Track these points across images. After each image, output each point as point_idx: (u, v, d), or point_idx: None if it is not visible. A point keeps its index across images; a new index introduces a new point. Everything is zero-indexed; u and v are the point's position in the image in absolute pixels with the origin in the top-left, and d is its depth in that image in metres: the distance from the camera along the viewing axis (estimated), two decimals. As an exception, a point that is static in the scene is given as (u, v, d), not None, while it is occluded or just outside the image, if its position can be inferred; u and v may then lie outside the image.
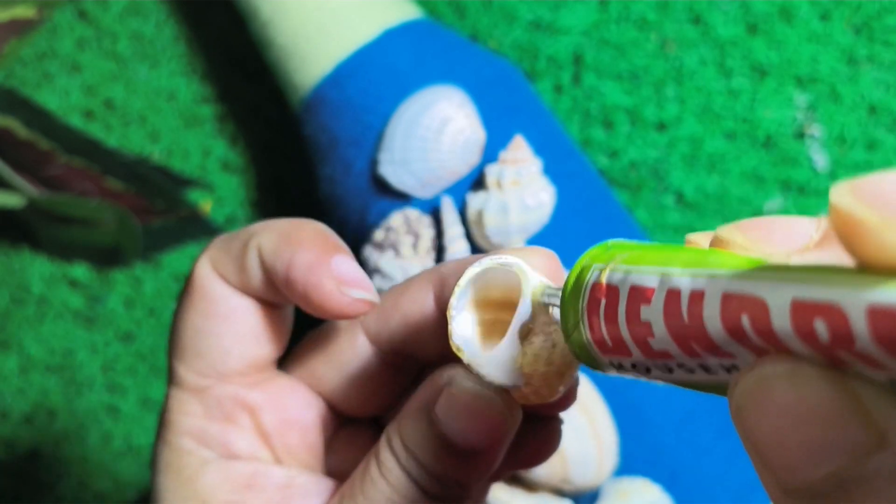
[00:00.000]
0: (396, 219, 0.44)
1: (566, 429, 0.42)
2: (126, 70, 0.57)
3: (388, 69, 0.46)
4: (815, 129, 0.52)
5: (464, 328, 0.23)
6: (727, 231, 0.15)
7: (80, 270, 0.56)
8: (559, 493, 0.45)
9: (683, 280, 0.16)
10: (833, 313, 0.13)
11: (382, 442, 0.25)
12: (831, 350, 0.13)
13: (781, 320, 0.14)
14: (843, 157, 0.52)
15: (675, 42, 0.53)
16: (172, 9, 0.57)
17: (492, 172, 0.43)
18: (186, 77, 0.57)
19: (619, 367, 0.19)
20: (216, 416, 0.27)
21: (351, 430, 0.29)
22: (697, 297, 0.16)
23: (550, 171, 0.45)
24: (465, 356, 0.23)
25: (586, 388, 0.43)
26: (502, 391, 0.23)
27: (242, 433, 0.27)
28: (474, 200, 0.43)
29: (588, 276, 0.19)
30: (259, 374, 0.28)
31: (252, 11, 0.49)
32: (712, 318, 0.15)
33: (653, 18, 0.53)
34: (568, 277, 0.20)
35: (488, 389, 0.23)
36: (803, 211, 0.52)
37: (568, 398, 0.26)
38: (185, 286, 0.27)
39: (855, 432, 0.13)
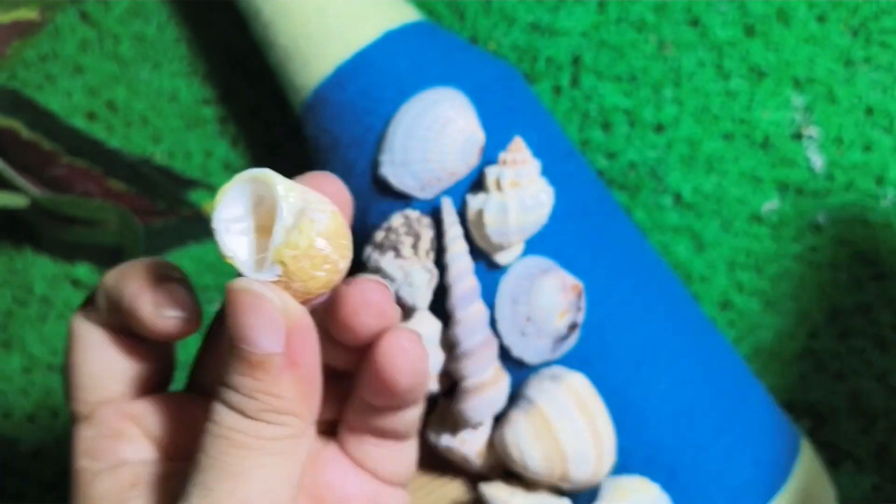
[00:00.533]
0: (397, 219, 0.44)
1: (565, 428, 0.43)
2: (128, 71, 0.57)
3: (388, 71, 0.46)
4: (813, 131, 0.53)
5: (238, 247, 0.26)
6: None
7: (83, 270, 0.57)
8: (558, 491, 0.45)
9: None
10: None
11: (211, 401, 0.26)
12: None
13: None
14: (840, 158, 0.52)
15: (673, 44, 0.53)
16: (174, 10, 0.57)
17: (491, 173, 0.43)
18: (188, 78, 0.57)
19: None
20: (105, 434, 0.29)
21: None
22: None
23: (549, 172, 0.45)
24: (233, 261, 0.26)
25: (584, 387, 0.44)
26: (270, 284, 0.25)
27: (131, 442, 0.29)
28: (474, 201, 0.44)
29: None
30: (144, 391, 0.30)
31: (253, 13, 0.49)
32: None
33: (651, 20, 0.53)
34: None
35: (256, 282, 0.25)
36: (801, 211, 0.53)
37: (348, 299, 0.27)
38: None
39: None
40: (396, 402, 0.28)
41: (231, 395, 0.25)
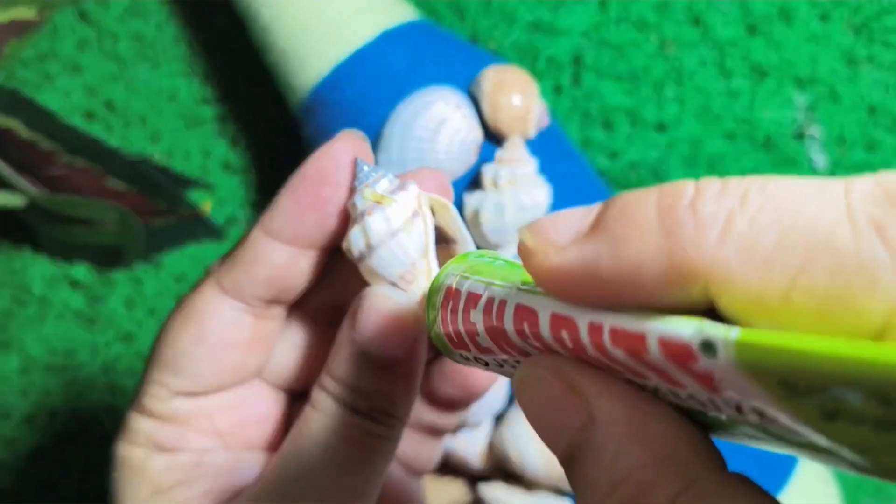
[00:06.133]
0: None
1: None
2: (127, 71, 0.57)
3: (384, 71, 0.46)
4: (815, 130, 0.52)
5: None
6: (521, 232, 0.18)
7: (81, 271, 0.57)
8: (558, 492, 0.45)
9: (498, 290, 0.20)
10: (570, 324, 0.17)
11: (314, 387, 0.27)
12: (573, 350, 0.17)
13: (545, 327, 0.18)
14: (842, 157, 0.52)
15: (674, 43, 0.53)
16: (173, 10, 0.57)
17: (488, 172, 0.43)
18: (187, 78, 0.57)
19: (467, 360, 0.23)
20: (171, 421, 0.28)
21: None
22: (503, 305, 0.20)
23: (546, 170, 0.45)
24: (354, 253, 0.26)
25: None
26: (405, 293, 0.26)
27: (196, 434, 0.29)
28: (471, 200, 0.44)
29: (445, 281, 0.24)
30: (237, 381, 0.30)
31: (252, 16, 0.49)
32: (508, 323, 0.19)
33: (652, 19, 0.53)
34: (433, 280, 0.25)
35: (390, 290, 0.26)
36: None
37: None
38: (180, 305, 0.29)
39: (571, 414, 0.17)
40: (469, 400, 0.31)
41: (344, 390, 0.26)
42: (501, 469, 0.45)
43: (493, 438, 0.44)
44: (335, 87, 0.47)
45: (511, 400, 0.45)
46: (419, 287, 0.26)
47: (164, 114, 0.57)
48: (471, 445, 0.45)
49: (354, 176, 0.27)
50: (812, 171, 0.52)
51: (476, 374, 0.30)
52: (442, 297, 0.23)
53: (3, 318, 0.57)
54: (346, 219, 0.27)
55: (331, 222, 0.27)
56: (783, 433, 0.15)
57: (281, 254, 0.27)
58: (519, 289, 0.19)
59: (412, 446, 0.32)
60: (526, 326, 0.19)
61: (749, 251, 0.14)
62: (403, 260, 0.26)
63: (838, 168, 0.52)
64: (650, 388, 0.17)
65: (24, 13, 0.54)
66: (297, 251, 0.27)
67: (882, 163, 0.52)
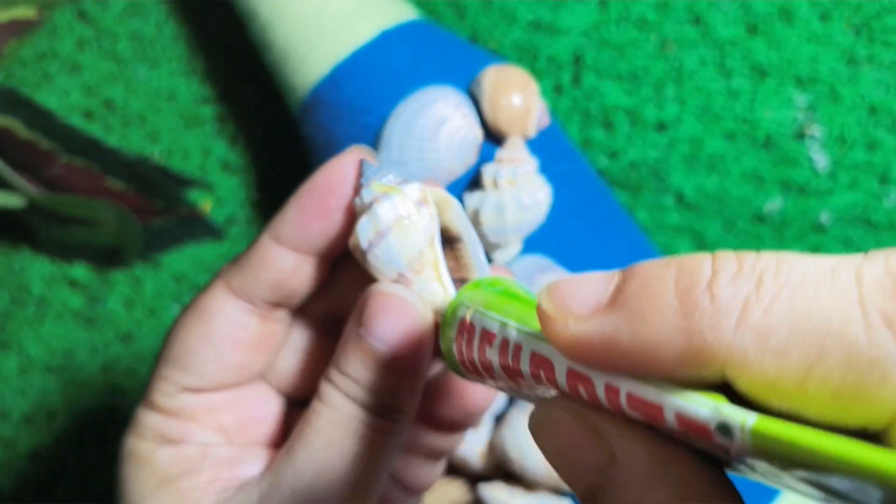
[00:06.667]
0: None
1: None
2: (126, 70, 0.57)
3: (384, 70, 0.46)
4: (815, 130, 0.52)
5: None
6: (540, 295, 0.18)
7: (80, 271, 0.57)
8: (557, 492, 0.45)
9: (513, 333, 0.21)
10: (587, 381, 0.18)
11: (321, 382, 0.27)
12: (590, 402, 0.18)
13: (561, 378, 0.19)
14: (843, 157, 0.52)
15: (674, 42, 0.53)
16: (172, 9, 0.57)
17: (488, 172, 0.43)
18: (186, 77, 0.57)
19: (481, 383, 0.24)
20: (178, 416, 0.29)
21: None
22: (518, 348, 0.21)
23: (547, 170, 0.45)
24: (363, 244, 0.26)
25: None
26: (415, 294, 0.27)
27: (202, 427, 0.30)
28: (471, 200, 0.43)
29: (459, 311, 0.24)
30: (243, 381, 0.31)
31: (251, 14, 0.49)
32: (524, 365, 0.20)
33: (653, 19, 0.53)
34: (448, 307, 0.25)
35: (396, 286, 0.26)
36: (804, 211, 0.52)
37: None
38: (190, 305, 0.30)
39: (593, 455, 0.18)
40: (469, 422, 0.32)
41: (352, 385, 0.27)
42: (501, 469, 0.45)
43: (493, 438, 0.44)
44: (335, 87, 0.46)
45: (511, 400, 0.45)
46: (426, 279, 0.27)
47: (164, 113, 0.57)
48: (471, 445, 0.45)
49: (360, 175, 0.27)
50: (812, 171, 0.52)
51: (476, 397, 0.31)
52: (456, 329, 0.24)
53: (2, 319, 0.57)
54: (351, 225, 0.27)
55: (335, 231, 0.28)
56: (795, 485, 0.16)
57: (287, 259, 0.28)
58: (534, 336, 0.20)
59: (411, 469, 0.33)
60: (542, 373, 0.20)
61: (765, 341, 0.15)
62: (411, 247, 0.26)
63: (839, 168, 0.52)
64: (665, 433, 0.17)
65: (24, 13, 0.54)
66: (302, 257, 0.28)
67: (882, 163, 0.52)
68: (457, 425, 0.32)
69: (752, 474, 0.17)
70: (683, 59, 0.53)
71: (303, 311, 0.31)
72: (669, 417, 0.16)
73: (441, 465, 0.34)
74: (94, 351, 0.56)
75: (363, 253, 0.27)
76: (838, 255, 0.15)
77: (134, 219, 0.53)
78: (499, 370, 0.22)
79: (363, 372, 0.27)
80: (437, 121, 0.44)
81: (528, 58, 0.54)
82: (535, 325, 0.20)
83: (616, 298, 0.17)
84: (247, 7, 0.49)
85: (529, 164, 0.43)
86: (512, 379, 0.21)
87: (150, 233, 0.55)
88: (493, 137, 0.45)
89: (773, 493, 0.44)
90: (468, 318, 0.23)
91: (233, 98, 0.57)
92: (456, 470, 0.47)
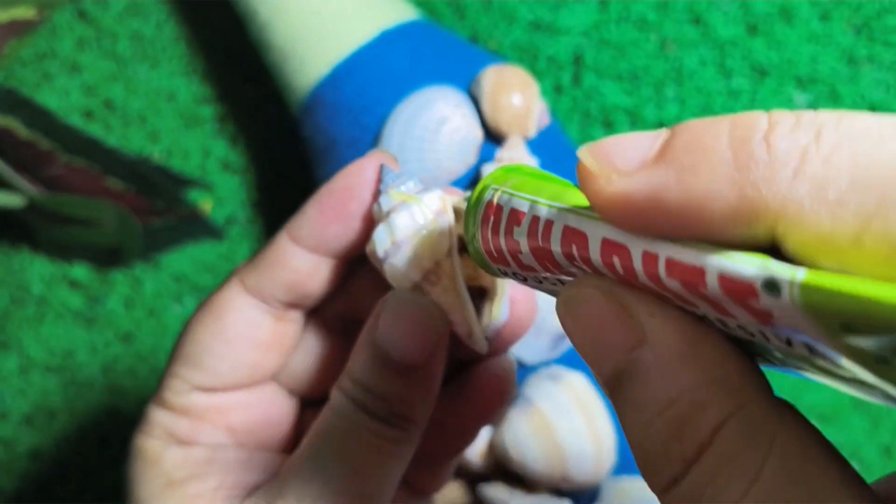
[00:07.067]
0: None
1: (565, 428, 0.43)
2: (126, 70, 0.57)
3: (384, 70, 0.46)
4: (816, 130, 0.52)
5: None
6: (581, 152, 0.17)
7: (80, 271, 0.57)
8: (558, 491, 0.45)
9: (543, 210, 0.20)
10: (623, 251, 0.17)
11: (333, 390, 0.27)
12: (624, 277, 0.17)
13: (595, 251, 0.18)
14: (843, 157, 0.52)
15: (675, 42, 0.53)
16: (172, 9, 0.57)
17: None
18: (186, 77, 0.57)
19: (505, 275, 0.23)
20: (188, 414, 0.29)
21: (319, 410, 0.31)
22: (549, 225, 0.19)
23: (546, 170, 0.44)
24: (379, 253, 0.26)
25: (584, 386, 0.43)
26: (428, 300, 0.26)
27: (212, 428, 0.29)
28: (472, 199, 0.43)
29: (485, 195, 0.23)
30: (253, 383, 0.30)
31: (250, 14, 0.49)
32: (555, 243, 0.19)
33: (653, 19, 0.53)
34: (472, 193, 0.24)
35: (413, 294, 0.26)
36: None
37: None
38: (205, 303, 0.29)
39: (621, 334, 0.17)
40: (480, 422, 0.31)
41: (363, 393, 0.26)
42: (501, 469, 0.45)
43: (493, 438, 0.44)
44: (335, 87, 0.46)
45: (511, 400, 0.45)
46: (442, 289, 0.27)
47: (164, 113, 0.57)
48: (471, 445, 0.45)
49: (380, 180, 0.27)
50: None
51: (489, 403, 0.30)
52: (482, 213, 0.23)
53: (2, 319, 0.57)
54: (369, 229, 0.28)
55: (353, 235, 0.28)
56: (828, 367, 0.15)
57: (304, 260, 0.28)
58: (567, 210, 0.19)
59: (422, 472, 0.32)
60: (574, 249, 0.18)
61: (822, 192, 0.14)
62: (428, 257, 0.26)
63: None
64: (698, 315, 0.17)
65: (24, 13, 0.54)
66: (319, 259, 0.28)
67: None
68: (469, 428, 0.32)
69: (785, 357, 0.16)
70: (683, 59, 0.53)
71: (316, 311, 0.31)
72: (712, 280, 0.15)
73: (451, 468, 0.34)
74: (94, 351, 0.56)
75: (380, 262, 0.26)
76: None
77: (134, 219, 0.53)
78: (527, 254, 0.21)
79: (375, 380, 0.26)
80: (437, 121, 0.44)
81: (528, 58, 0.54)
82: (569, 200, 0.19)
83: (665, 152, 0.16)
84: (247, 7, 0.49)
85: (530, 164, 0.43)
86: (540, 262, 0.20)
87: (150, 233, 0.55)
88: (493, 137, 0.45)
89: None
90: (495, 200, 0.22)
91: (233, 98, 0.57)
92: (456, 470, 0.47)
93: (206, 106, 0.57)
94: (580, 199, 0.19)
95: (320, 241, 0.28)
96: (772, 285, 0.14)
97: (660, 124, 0.53)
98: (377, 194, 0.27)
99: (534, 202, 0.20)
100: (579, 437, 0.42)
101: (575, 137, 0.53)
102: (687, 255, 0.16)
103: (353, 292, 0.30)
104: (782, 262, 0.14)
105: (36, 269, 0.57)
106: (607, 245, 0.17)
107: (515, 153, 0.43)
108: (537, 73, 0.53)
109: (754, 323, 0.15)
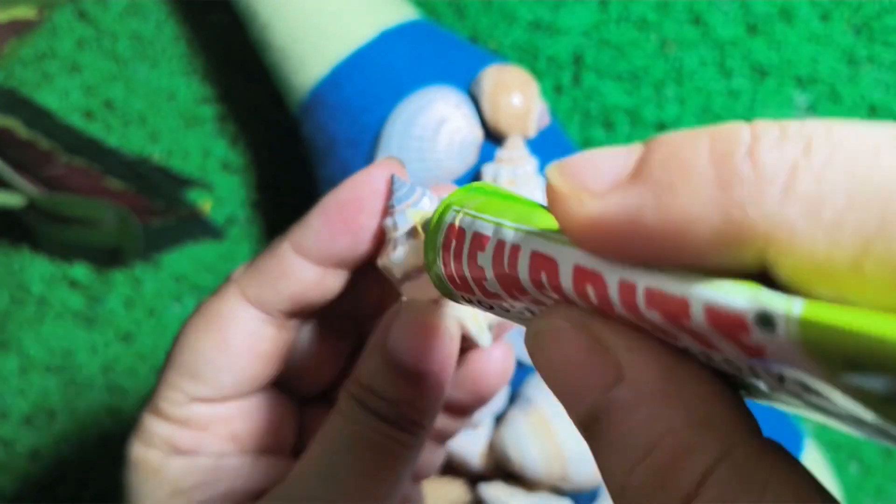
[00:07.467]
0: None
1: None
2: (126, 70, 0.57)
3: (384, 70, 0.46)
4: (816, 130, 0.52)
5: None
6: (550, 171, 0.16)
7: (80, 271, 0.57)
8: (558, 491, 0.45)
9: (509, 233, 0.18)
10: (597, 280, 0.15)
11: (341, 393, 0.27)
12: (598, 306, 0.16)
13: (566, 279, 0.16)
14: (843, 157, 0.52)
15: (675, 42, 0.53)
16: (172, 9, 0.57)
17: (488, 172, 0.43)
18: (186, 77, 0.57)
19: (469, 302, 0.22)
20: (188, 425, 0.28)
21: (316, 407, 0.32)
22: (515, 250, 0.18)
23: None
24: (397, 275, 0.25)
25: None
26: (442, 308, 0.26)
27: (214, 439, 0.29)
28: (472, 199, 0.43)
29: (446, 216, 0.21)
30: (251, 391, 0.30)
31: (251, 14, 0.49)
32: (522, 270, 0.17)
33: (653, 19, 0.53)
34: (433, 215, 0.22)
35: (427, 304, 0.26)
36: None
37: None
38: (201, 310, 0.29)
39: (597, 372, 0.16)
40: (477, 405, 0.31)
41: (372, 397, 0.26)
42: (501, 469, 0.45)
43: (493, 438, 0.44)
44: (335, 87, 0.46)
45: (511, 400, 0.45)
46: (456, 304, 0.26)
47: (163, 113, 0.57)
48: (471, 445, 0.45)
49: (391, 193, 0.26)
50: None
51: (486, 379, 0.30)
52: (443, 236, 0.21)
53: (2, 319, 0.57)
54: (379, 238, 0.27)
55: (363, 248, 0.27)
56: (822, 403, 0.14)
57: (309, 272, 0.27)
58: (535, 233, 0.17)
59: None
60: (544, 277, 0.17)
61: (816, 211, 0.13)
62: None
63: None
64: (680, 348, 0.15)
65: (24, 12, 0.54)
66: (325, 270, 0.27)
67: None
68: (464, 409, 0.31)
69: (773, 393, 0.15)
70: (683, 59, 0.53)
71: (318, 311, 0.30)
72: (697, 313, 0.14)
73: (443, 451, 0.34)
74: (94, 351, 0.56)
75: (397, 281, 0.26)
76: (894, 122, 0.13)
77: (134, 219, 0.53)
78: (492, 280, 0.19)
79: (386, 385, 0.26)
80: (437, 121, 0.44)
81: (528, 58, 0.54)
82: (537, 223, 0.18)
83: (640, 170, 0.14)
84: (247, 7, 0.49)
85: (529, 163, 0.43)
86: (507, 290, 0.19)
87: (150, 233, 0.55)
88: (493, 137, 0.45)
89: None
90: (457, 222, 0.21)
91: (233, 98, 0.57)
92: (456, 470, 0.47)
93: (206, 106, 0.57)
94: (550, 222, 0.18)
95: (328, 253, 0.27)
96: (765, 319, 0.13)
97: (660, 124, 0.53)
98: (389, 208, 0.26)
99: (498, 224, 0.19)
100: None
101: (575, 137, 0.53)
102: (668, 285, 0.14)
103: (353, 292, 0.30)
104: (775, 291, 0.13)
105: (36, 269, 0.57)
106: (580, 273, 0.16)
107: (515, 153, 0.43)
108: (537, 73, 0.53)
109: (743, 358, 0.14)
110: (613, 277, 0.15)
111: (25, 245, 0.57)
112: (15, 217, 0.55)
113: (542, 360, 0.17)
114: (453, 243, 0.21)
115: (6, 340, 0.56)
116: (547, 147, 0.46)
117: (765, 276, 0.13)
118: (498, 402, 0.44)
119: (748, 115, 0.52)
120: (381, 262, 0.26)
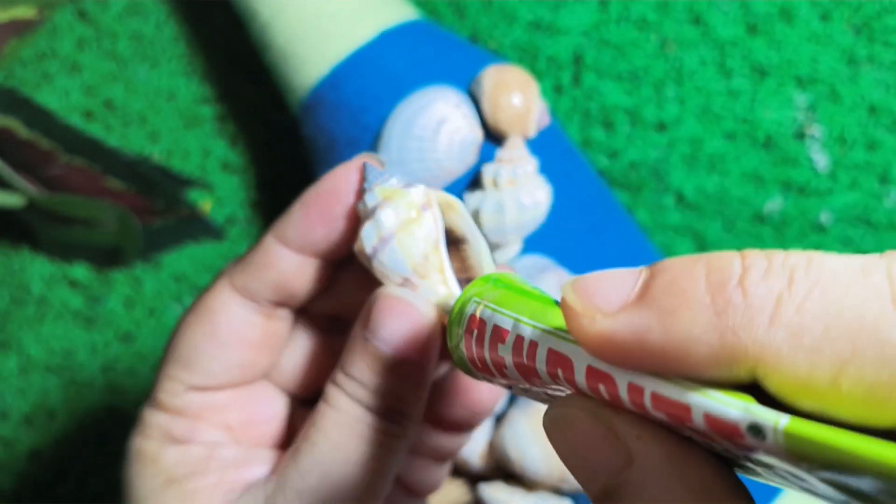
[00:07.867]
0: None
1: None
2: (126, 70, 0.57)
3: (384, 70, 0.46)
4: (816, 130, 0.52)
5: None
6: (565, 288, 0.18)
7: (80, 271, 0.57)
8: (558, 491, 0.45)
9: (527, 329, 0.20)
10: (608, 380, 0.17)
11: (327, 384, 0.28)
12: (610, 401, 0.18)
13: (581, 377, 0.18)
14: (843, 157, 0.52)
15: (675, 42, 0.53)
16: (173, 9, 0.57)
17: (488, 172, 0.43)
18: (186, 77, 0.57)
19: (489, 381, 0.24)
20: (184, 414, 0.30)
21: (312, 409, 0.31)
22: (533, 346, 0.20)
23: (547, 170, 0.45)
24: (367, 250, 0.26)
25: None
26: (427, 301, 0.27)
27: (209, 426, 0.30)
28: (471, 200, 0.43)
29: (467, 308, 0.24)
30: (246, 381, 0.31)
31: (251, 14, 0.49)
32: (540, 364, 0.20)
33: (653, 19, 0.53)
34: (455, 303, 0.25)
35: (402, 290, 0.27)
36: (804, 211, 0.52)
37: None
38: (195, 304, 0.30)
39: (610, 456, 0.18)
40: (476, 422, 0.32)
41: (358, 388, 0.27)
42: (501, 469, 0.45)
43: (493, 438, 0.44)
44: (335, 87, 0.46)
45: (511, 400, 0.45)
46: (432, 283, 0.27)
47: (164, 113, 0.57)
48: (471, 445, 0.45)
49: (364, 179, 0.28)
50: (812, 171, 0.52)
51: (482, 396, 0.31)
52: (465, 325, 0.24)
53: (2, 318, 0.57)
54: (355, 229, 0.28)
55: (338, 235, 0.28)
56: (807, 486, 0.16)
57: (290, 261, 0.29)
58: (551, 332, 0.20)
59: (417, 471, 0.33)
60: (560, 372, 0.19)
61: (798, 338, 0.15)
62: (415, 253, 0.26)
63: (839, 168, 0.52)
64: (685, 433, 0.17)
65: (24, 12, 0.54)
66: (305, 259, 0.29)
67: (883, 163, 0.52)
68: (463, 426, 0.32)
69: (766, 474, 0.17)
70: (683, 59, 0.53)
71: (306, 311, 0.31)
72: (697, 417, 0.16)
73: (447, 468, 0.34)
74: (94, 351, 0.56)
75: (368, 258, 0.27)
76: (866, 255, 0.15)
77: (134, 219, 0.53)
78: (511, 368, 0.21)
79: (369, 375, 0.27)
80: (437, 121, 0.44)
81: (528, 58, 0.54)
82: (550, 321, 0.20)
83: (645, 294, 0.17)
84: (247, 7, 0.49)
85: (529, 164, 0.43)
86: (525, 377, 0.21)
87: (150, 233, 0.55)
88: (493, 137, 0.45)
89: (773, 493, 0.44)
90: (478, 314, 0.23)
91: (233, 98, 0.57)
92: (456, 470, 0.47)
93: (206, 106, 0.57)
94: (562, 320, 0.20)
95: (306, 242, 0.28)
96: (756, 429, 0.15)
97: (660, 124, 0.53)
98: (361, 193, 0.28)
99: (517, 321, 0.21)
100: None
101: (575, 137, 0.53)
102: (672, 392, 0.16)
103: (340, 291, 0.31)
104: (765, 406, 0.15)
105: (36, 269, 0.57)
106: (592, 372, 0.18)
107: (515, 153, 0.43)
108: (537, 73, 0.53)
109: (738, 451, 0.16)
110: (623, 380, 0.17)
111: (25, 245, 0.57)
112: (15, 217, 0.55)
113: (561, 442, 0.19)
114: (475, 332, 0.23)
115: (6, 340, 0.56)
116: (547, 147, 0.46)
117: (757, 387, 0.16)
118: (498, 402, 0.44)
119: (748, 115, 0.52)
120: (356, 245, 0.27)
